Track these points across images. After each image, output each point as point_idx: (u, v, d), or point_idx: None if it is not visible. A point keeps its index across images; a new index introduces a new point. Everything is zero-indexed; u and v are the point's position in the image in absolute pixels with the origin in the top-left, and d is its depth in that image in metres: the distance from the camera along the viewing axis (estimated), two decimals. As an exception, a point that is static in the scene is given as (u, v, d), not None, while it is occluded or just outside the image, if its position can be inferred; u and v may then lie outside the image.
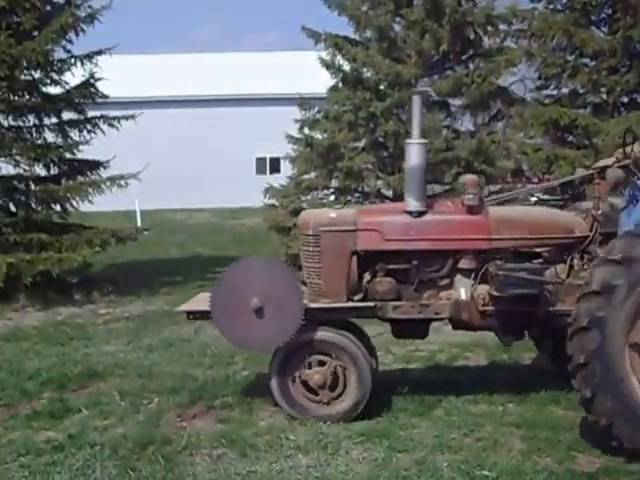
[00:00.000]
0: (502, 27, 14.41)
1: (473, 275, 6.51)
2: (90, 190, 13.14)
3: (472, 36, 13.81)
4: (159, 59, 34.75)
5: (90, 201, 13.19)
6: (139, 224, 23.38)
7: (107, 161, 14.08)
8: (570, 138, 14.95)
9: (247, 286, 6.31)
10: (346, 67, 13.79)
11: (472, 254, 6.51)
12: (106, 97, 13.99)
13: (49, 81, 13.44)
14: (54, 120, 13.67)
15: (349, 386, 6.44)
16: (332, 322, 6.51)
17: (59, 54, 13.52)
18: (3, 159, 13.21)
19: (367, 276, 6.60)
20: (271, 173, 30.73)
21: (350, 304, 6.56)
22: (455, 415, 6.61)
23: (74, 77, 13.64)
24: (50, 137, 13.68)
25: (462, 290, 6.50)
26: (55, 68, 13.31)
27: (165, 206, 29.17)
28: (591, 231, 6.42)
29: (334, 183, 14.10)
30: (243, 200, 27.04)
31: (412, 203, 6.49)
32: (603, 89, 15.05)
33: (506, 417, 6.51)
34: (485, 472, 5.45)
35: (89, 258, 13.24)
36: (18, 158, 13.11)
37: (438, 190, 14.22)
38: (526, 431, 6.19)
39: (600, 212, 6.40)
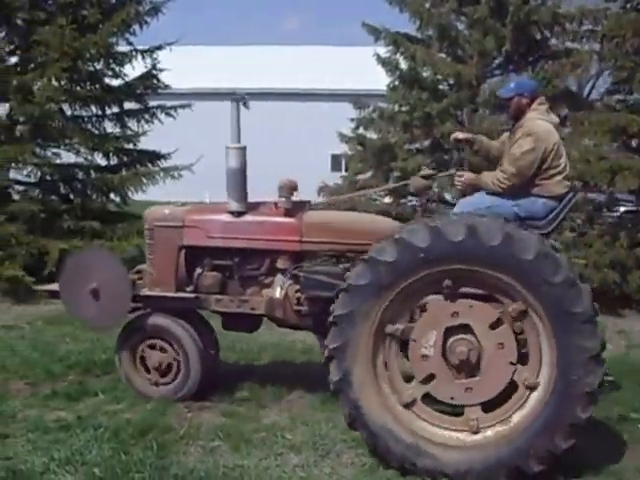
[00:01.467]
0: (572, 27, 13.87)
1: (288, 275, 6.79)
2: (144, 180, 13.36)
3: (538, 36, 13.42)
4: (235, 51, 34.95)
5: (144, 191, 13.42)
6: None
7: (168, 153, 14.33)
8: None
9: (87, 271, 6.87)
10: (404, 65, 13.58)
11: (286, 255, 6.83)
12: (167, 88, 14.23)
13: (111, 73, 13.77)
14: (115, 110, 13.99)
15: (180, 369, 6.94)
16: (169, 309, 6.99)
17: (122, 46, 13.86)
18: (64, 147, 13.59)
19: (198, 270, 7.03)
20: (347, 170, 30.48)
21: (175, 294, 7.00)
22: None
23: (134, 70, 13.91)
24: (109, 127, 13.99)
25: (277, 288, 6.79)
26: (117, 60, 13.62)
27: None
28: None
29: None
30: (316, 197, 26.94)
31: (232, 204, 6.89)
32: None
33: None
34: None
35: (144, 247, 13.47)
36: (78, 147, 13.45)
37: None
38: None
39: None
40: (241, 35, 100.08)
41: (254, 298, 6.93)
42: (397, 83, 13.67)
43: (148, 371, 7.04)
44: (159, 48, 13.95)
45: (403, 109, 13.52)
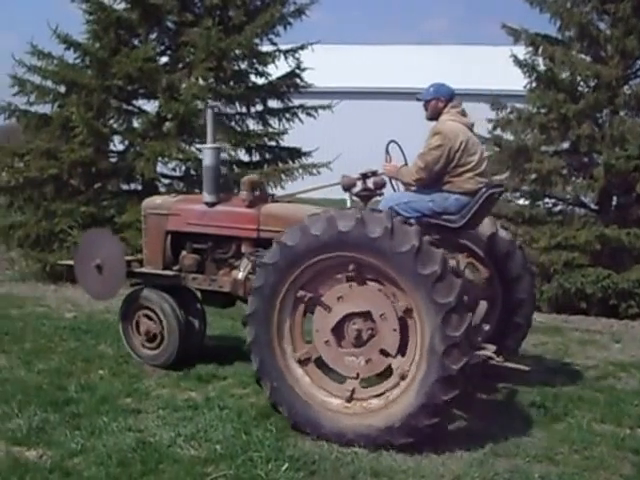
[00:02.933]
0: None
1: (249, 259, 7.56)
2: (283, 177, 13.78)
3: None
4: (378, 50, 34.97)
5: (282, 187, 13.83)
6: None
7: (309, 150, 14.72)
8: None
9: (93, 249, 8.00)
10: (542, 67, 13.34)
11: (248, 241, 7.66)
12: (309, 86, 14.62)
13: (255, 72, 14.24)
14: (258, 108, 14.48)
15: (165, 337, 7.85)
16: (157, 285, 7.98)
17: (266, 47, 14.31)
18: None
19: (182, 252, 8.06)
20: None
21: (160, 272, 8.01)
22: (575, 430, 6.53)
23: (277, 69, 14.35)
24: (252, 125, 14.50)
25: (240, 270, 7.61)
26: (261, 60, 14.09)
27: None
28: None
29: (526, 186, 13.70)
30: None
31: (206, 196, 7.89)
32: None
33: (627, 441, 6.33)
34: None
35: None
36: (221, 143, 13.98)
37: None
38: (640, 458, 6.00)
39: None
40: (385, 34, 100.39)
41: (222, 278, 7.79)
42: (534, 84, 13.45)
43: (139, 335, 8.06)
44: (302, 48, 14.31)
45: (541, 111, 13.33)
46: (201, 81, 13.41)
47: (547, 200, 13.71)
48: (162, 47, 14.43)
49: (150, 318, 7.91)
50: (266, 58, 14.04)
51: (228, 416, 6.49)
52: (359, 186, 7.49)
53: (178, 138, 13.39)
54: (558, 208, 13.74)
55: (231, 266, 7.79)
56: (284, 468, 5.52)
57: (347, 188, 7.45)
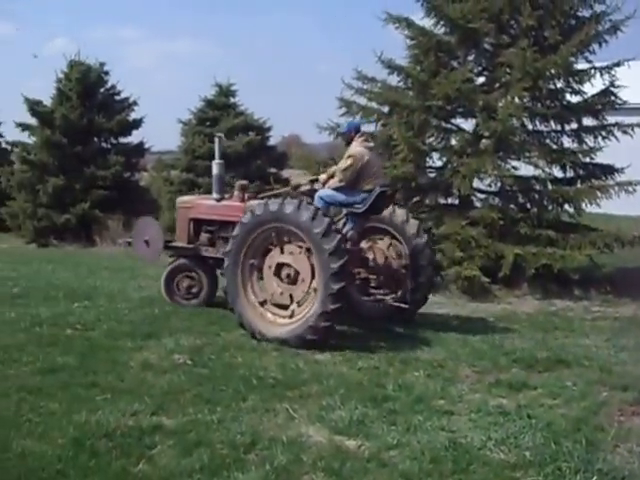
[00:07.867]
0: None
1: None
2: (598, 194, 13.67)
3: None
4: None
5: (597, 204, 13.76)
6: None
7: (622, 167, 14.50)
8: None
9: (143, 229, 11.43)
10: None
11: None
12: (624, 103, 14.39)
13: (570, 90, 14.28)
14: (573, 126, 14.49)
15: (202, 289, 11.19)
16: (189, 255, 11.25)
17: (581, 65, 14.32)
18: (523, 160, 14.44)
19: (200, 233, 11.19)
20: None
21: (185, 245, 11.23)
22: None
23: (592, 86, 14.28)
24: (567, 142, 14.53)
25: None
26: (576, 78, 14.12)
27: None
28: None
29: None
30: None
31: (214, 194, 11.12)
32: None
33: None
34: None
35: (595, 258, 13.91)
36: (536, 160, 14.21)
37: None
38: None
39: None
40: None
41: (224, 248, 10.26)
42: None
43: (179, 290, 11.22)
44: (617, 65, 14.14)
45: None
46: (517, 100, 13.72)
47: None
48: (479, 68, 15.02)
49: (192, 278, 11.14)
50: (582, 76, 14.05)
51: (538, 425, 6.60)
52: (307, 186, 10.62)
53: (494, 155, 13.81)
54: None
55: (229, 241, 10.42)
56: (592, 481, 5.57)
57: (295, 188, 10.80)
